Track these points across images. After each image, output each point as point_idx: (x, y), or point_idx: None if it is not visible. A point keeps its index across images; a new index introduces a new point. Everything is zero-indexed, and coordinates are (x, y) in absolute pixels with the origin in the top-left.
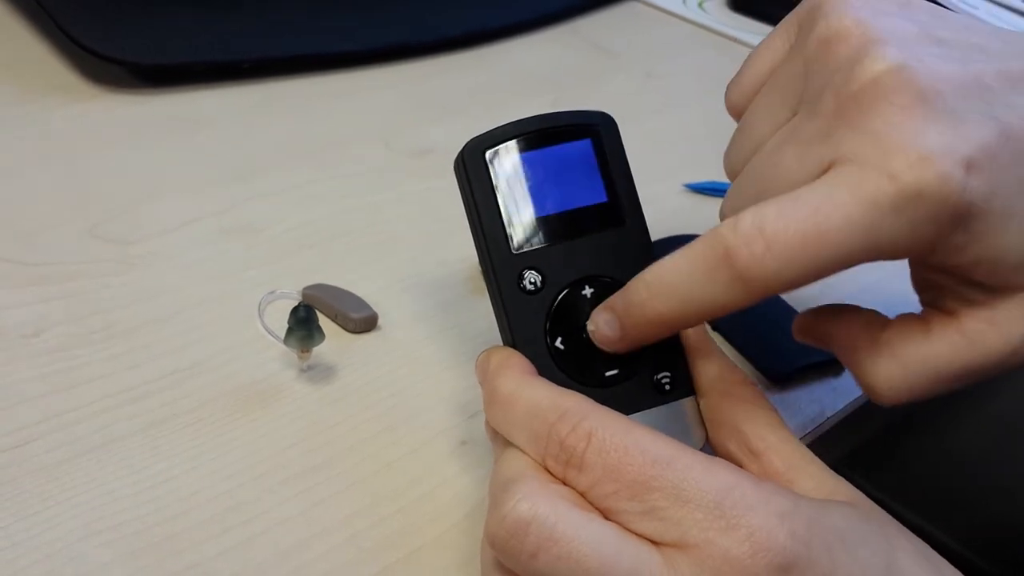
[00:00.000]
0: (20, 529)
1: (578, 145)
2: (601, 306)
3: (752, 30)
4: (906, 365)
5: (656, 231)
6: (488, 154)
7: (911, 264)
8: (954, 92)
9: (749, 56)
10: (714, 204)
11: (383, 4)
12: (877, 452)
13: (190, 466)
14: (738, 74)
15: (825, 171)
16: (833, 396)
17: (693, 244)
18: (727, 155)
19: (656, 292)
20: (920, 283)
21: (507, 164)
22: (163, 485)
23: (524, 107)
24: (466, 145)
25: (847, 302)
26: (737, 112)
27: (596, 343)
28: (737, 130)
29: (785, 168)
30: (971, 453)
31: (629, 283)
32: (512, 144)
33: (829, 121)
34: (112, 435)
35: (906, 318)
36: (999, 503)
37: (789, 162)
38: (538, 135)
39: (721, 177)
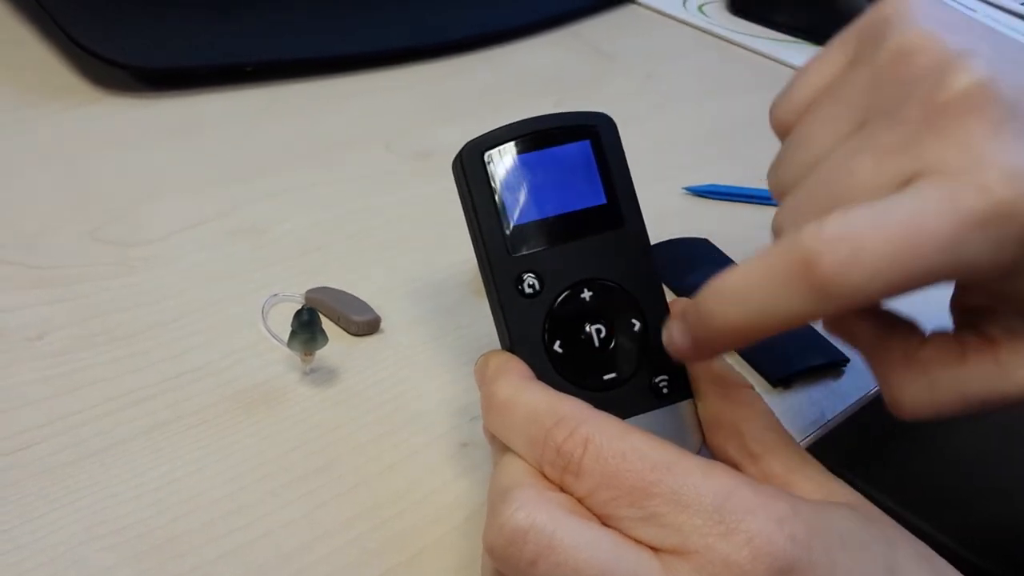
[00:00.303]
0: (24, 532)
1: (577, 146)
2: (674, 315)
3: (752, 33)
4: (936, 387)
5: (656, 234)
6: (486, 156)
7: (959, 286)
8: None
9: (800, 71)
10: (714, 207)
11: (385, 6)
12: (876, 453)
13: (193, 469)
14: (787, 89)
15: (907, 182)
16: (833, 399)
17: (770, 249)
18: (775, 170)
19: (731, 302)
20: (963, 307)
21: (505, 166)
22: (166, 488)
23: (526, 109)
24: (464, 146)
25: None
26: (784, 127)
27: (671, 354)
28: (788, 144)
29: (860, 178)
30: (969, 454)
31: (702, 290)
32: (511, 145)
33: (913, 131)
34: (115, 438)
35: (942, 338)
36: (997, 504)
37: (865, 171)
38: (537, 136)
39: (720, 180)
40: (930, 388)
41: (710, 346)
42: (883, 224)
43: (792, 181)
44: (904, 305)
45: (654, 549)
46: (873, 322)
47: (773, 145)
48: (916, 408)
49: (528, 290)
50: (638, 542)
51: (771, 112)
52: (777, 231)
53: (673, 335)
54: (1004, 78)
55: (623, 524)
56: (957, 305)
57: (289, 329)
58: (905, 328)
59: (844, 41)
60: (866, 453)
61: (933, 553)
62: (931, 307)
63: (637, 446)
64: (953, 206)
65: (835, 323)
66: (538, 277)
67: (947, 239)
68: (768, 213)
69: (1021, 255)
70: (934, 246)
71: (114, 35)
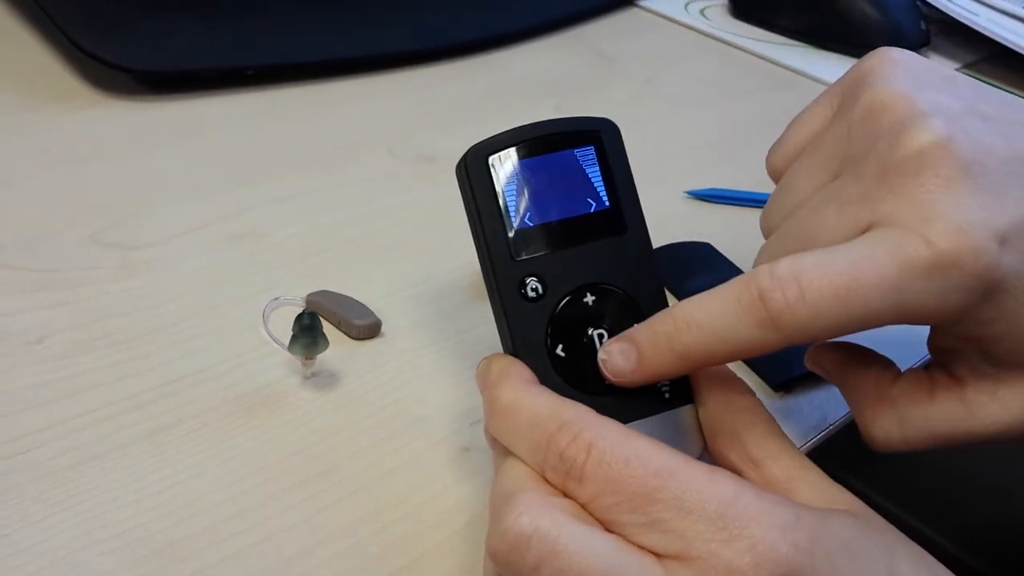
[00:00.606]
0: (24, 536)
1: (581, 151)
2: (618, 336)
3: (754, 36)
4: (905, 423)
5: (657, 238)
6: (491, 159)
7: (932, 328)
8: (998, 167)
9: (792, 122)
10: (716, 211)
11: (386, 10)
12: (876, 456)
13: (193, 473)
14: (780, 139)
15: (863, 232)
16: (835, 403)
17: (727, 283)
18: (765, 214)
19: (684, 326)
20: (936, 346)
21: (510, 170)
22: (167, 492)
23: (527, 113)
24: (469, 150)
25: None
26: (777, 174)
27: (606, 373)
28: (776, 190)
29: (824, 225)
30: (969, 456)
31: (654, 316)
32: (515, 150)
33: (871, 185)
34: (116, 442)
35: (913, 376)
36: (996, 506)
37: (828, 220)
38: (541, 141)
39: (722, 183)
40: (900, 424)
41: (656, 368)
42: (829, 268)
43: (775, 224)
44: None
45: (657, 555)
46: (847, 358)
47: None
48: (887, 441)
49: (531, 294)
50: (641, 548)
51: (767, 160)
52: (756, 261)
53: (613, 356)
54: (964, 137)
55: (626, 530)
56: (930, 345)
57: (290, 333)
58: (878, 365)
59: (830, 94)
60: (867, 456)
61: (933, 559)
62: None
63: (640, 452)
64: (897, 255)
65: (811, 358)
66: (541, 281)
67: (890, 285)
68: None
69: (966, 302)
70: (877, 290)
71: (115, 38)
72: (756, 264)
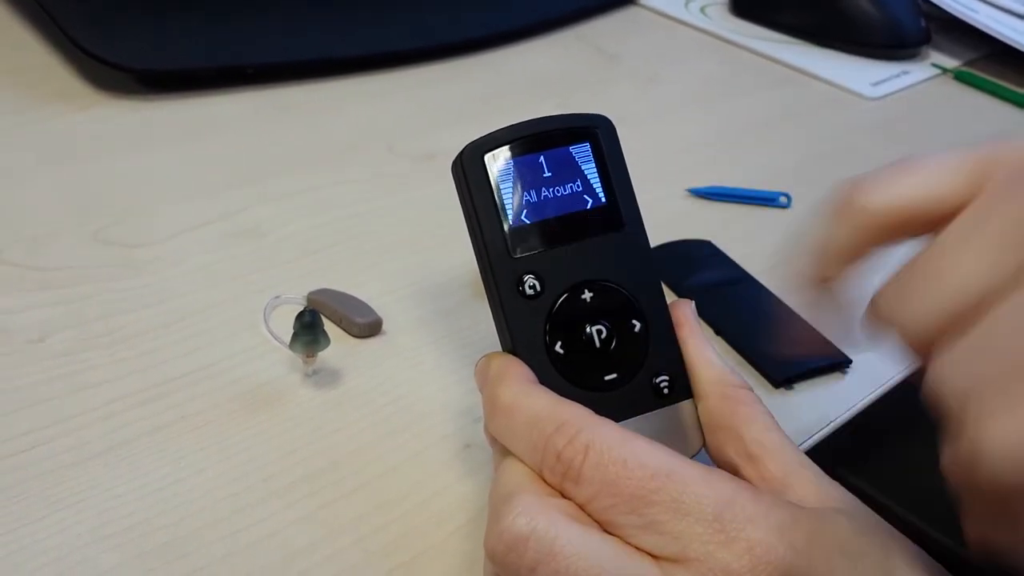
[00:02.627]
0: (27, 533)
1: (577, 148)
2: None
3: (755, 35)
4: None
5: (659, 235)
6: (487, 157)
7: None
8: None
9: (903, 167)
10: (717, 209)
11: (386, 8)
12: (878, 454)
13: (196, 469)
14: (892, 177)
15: None
16: (836, 400)
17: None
18: (906, 302)
19: None
20: None
21: (506, 167)
22: (169, 488)
23: (527, 112)
24: (465, 148)
25: None
26: (894, 215)
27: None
28: (921, 275)
29: None
30: None
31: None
32: (511, 147)
33: None
34: (118, 439)
35: None
36: None
37: None
38: (537, 138)
39: (723, 181)
40: None
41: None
42: None
43: (934, 322)
44: None
45: (654, 557)
46: None
47: (776, 144)
48: None
49: (529, 291)
50: (639, 549)
51: (865, 193)
52: (945, 382)
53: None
54: None
55: (623, 531)
56: None
57: (291, 331)
58: None
59: (958, 166)
60: (868, 454)
61: (929, 557)
62: None
63: (637, 453)
64: None
65: None
66: (539, 278)
67: None
68: (770, 214)
69: None
70: None
71: (115, 38)
72: (947, 379)
